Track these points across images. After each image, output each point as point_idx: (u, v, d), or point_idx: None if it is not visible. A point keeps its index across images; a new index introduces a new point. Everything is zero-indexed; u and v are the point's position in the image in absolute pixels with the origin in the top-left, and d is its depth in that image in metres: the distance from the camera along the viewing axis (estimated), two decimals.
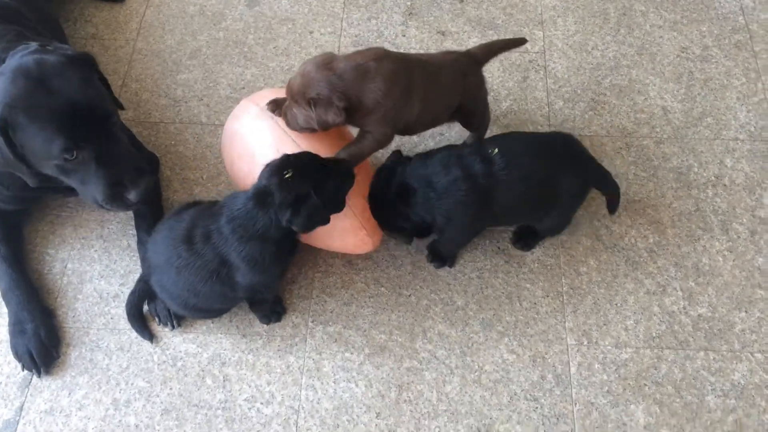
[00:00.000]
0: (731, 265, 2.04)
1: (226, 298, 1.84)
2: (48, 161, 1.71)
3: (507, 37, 2.48)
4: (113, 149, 1.76)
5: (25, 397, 1.89)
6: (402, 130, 1.88)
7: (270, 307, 1.96)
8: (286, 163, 1.65)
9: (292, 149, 1.77)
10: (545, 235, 2.08)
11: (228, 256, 1.69)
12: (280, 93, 1.87)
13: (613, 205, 2.01)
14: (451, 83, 1.90)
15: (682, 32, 2.49)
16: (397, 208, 1.83)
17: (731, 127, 2.27)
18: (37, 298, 1.99)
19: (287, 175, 1.62)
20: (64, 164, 1.71)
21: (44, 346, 1.92)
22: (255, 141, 1.84)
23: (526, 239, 2.08)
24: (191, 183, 2.21)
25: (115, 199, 1.79)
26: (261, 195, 1.64)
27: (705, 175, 2.19)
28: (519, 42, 2.09)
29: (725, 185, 2.17)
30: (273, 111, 1.81)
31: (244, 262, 1.69)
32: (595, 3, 2.58)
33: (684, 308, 1.97)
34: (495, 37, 2.49)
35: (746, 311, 1.96)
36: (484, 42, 2.06)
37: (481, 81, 2.01)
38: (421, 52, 2.45)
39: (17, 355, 1.91)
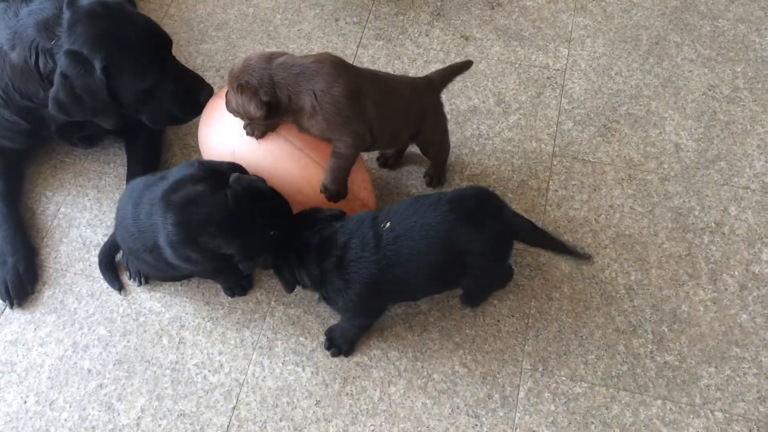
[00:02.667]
0: (711, 317, 1.94)
1: (165, 272, 1.89)
2: (138, 90, 1.89)
3: (531, 50, 2.43)
4: (178, 67, 2.01)
5: None
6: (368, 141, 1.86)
7: (235, 280, 1.99)
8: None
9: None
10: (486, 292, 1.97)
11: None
12: None
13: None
14: (408, 100, 1.88)
15: (714, 70, 2.37)
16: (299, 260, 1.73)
17: (744, 174, 2.16)
18: (24, 234, 2.09)
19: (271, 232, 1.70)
20: (152, 89, 1.92)
21: (21, 281, 2.01)
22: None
23: (472, 297, 1.96)
24: (191, 150, 2.27)
25: (188, 106, 2.02)
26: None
27: (705, 219, 2.09)
28: (467, 65, 2.04)
29: (724, 234, 2.06)
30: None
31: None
32: (628, 28, 2.49)
33: (651, 352, 1.89)
34: (518, 49, 2.44)
35: (716, 367, 1.87)
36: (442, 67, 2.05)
37: (438, 105, 1.99)
38: (438, 57, 2.44)
39: None
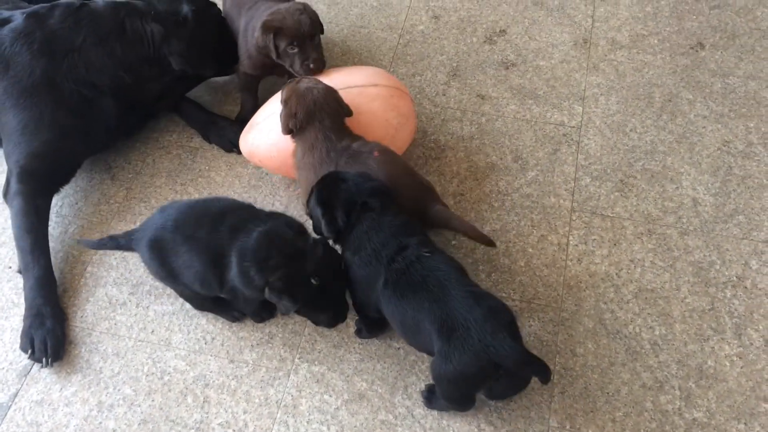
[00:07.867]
0: (738, 372, 1.93)
1: (208, 286, 1.94)
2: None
3: (546, 107, 2.49)
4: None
5: (21, 385, 2.00)
6: None
7: (260, 305, 2.03)
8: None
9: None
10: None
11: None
12: None
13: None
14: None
15: (728, 126, 2.42)
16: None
17: (763, 228, 2.17)
18: (58, 299, 2.12)
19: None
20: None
21: (60, 343, 2.03)
22: None
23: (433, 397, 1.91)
24: None
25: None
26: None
27: (726, 274, 2.10)
28: (488, 243, 2.02)
29: (746, 288, 2.07)
30: None
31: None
32: (641, 86, 2.55)
33: (679, 409, 1.88)
34: (534, 107, 2.50)
35: (746, 423, 1.85)
36: None
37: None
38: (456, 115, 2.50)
39: (32, 344, 2.01)
